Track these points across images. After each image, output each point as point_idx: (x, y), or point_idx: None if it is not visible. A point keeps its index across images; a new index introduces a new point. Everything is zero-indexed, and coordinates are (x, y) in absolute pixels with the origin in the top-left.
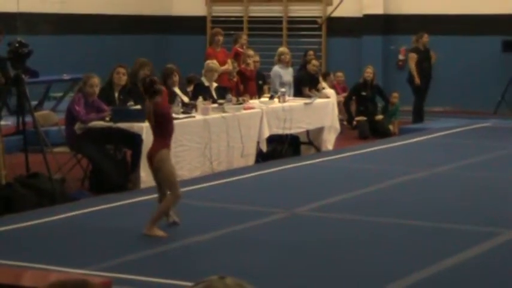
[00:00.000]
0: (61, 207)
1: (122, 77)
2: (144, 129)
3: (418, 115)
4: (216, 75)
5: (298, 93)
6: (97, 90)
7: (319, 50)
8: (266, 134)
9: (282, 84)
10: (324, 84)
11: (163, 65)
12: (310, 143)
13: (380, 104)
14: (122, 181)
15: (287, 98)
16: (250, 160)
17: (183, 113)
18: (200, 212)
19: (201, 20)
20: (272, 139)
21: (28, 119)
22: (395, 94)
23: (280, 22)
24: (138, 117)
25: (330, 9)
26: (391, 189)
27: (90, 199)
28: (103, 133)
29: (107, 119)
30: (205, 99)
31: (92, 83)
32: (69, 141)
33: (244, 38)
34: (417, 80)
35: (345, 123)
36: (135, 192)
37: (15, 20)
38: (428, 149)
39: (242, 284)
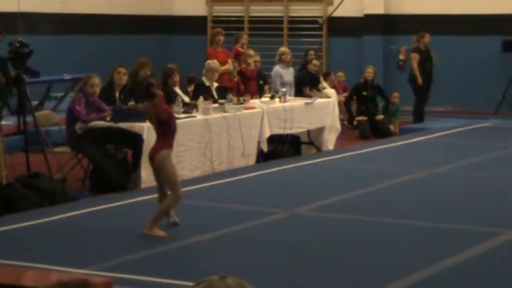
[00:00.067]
0: (62, 207)
1: (122, 77)
2: (145, 129)
3: (419, 115)
4: (216, 75)
5: (299, 93)
6: (97, 90)
7: (319, 50)
8: (267, 133)
9: (283, 84)
10: (324, 84)
11: (164, 65)
12: (310, 142)
13: (381, 104)
14: (122, 181)
15: (288, 97)
16: (251, 160)
17: (184, 112)
18: (201, 212)
19: (201, 19)
20: (273, 139)
21: (29, 118)
22: (395, 94)
23: (281, 22)
24: (138, 117)
25: (330, 9)
26: (391, 189)
27: (91, 199)
28: (104, 133)
29: (108, 118)
30: (206, 99)
31: (92, 83)
32: (69, 141)
33: (245, 37)
34: (420, 81)
35: (346, 123)
36: (135, 192)
37: (16, 19)
38: (428, 149)
39: (243, 284)
